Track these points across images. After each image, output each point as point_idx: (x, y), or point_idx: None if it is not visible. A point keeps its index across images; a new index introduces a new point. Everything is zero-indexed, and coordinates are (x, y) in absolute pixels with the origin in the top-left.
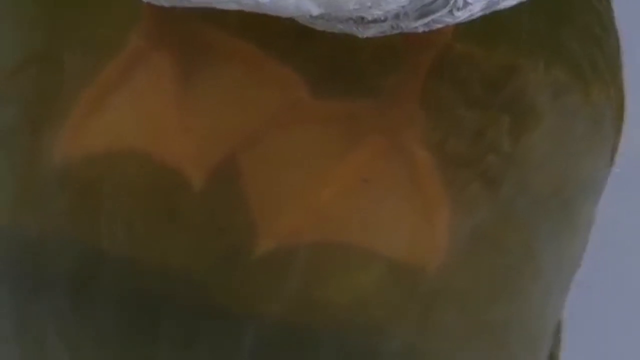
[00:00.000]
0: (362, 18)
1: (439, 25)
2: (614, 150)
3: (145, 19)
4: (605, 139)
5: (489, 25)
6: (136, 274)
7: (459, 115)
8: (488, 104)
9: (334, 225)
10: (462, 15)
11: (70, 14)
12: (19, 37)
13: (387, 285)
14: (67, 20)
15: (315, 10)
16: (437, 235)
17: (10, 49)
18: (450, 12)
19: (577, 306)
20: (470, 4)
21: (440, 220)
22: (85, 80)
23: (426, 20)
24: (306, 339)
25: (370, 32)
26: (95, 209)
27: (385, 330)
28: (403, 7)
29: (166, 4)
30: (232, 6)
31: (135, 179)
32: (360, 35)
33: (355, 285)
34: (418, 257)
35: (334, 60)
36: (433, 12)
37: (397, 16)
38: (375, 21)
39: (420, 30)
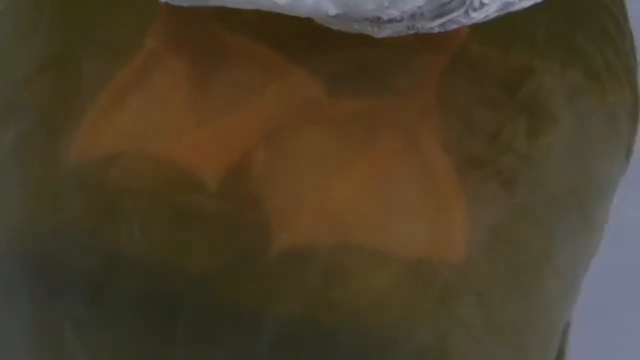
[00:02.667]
0: (379, 18)
1: (455, 26)
2: (628, 150)
3: (161, 21)
4: (620, 139)
5: (504, 26)
6: (153, 275)
7: (475, 115)
8: (504, 105)
9: (350, 224)
10: (478, 16)
11: (86, 16)
12: (35, 42)
13: (404, 285)
14: (83, 23)
15: (333, 11)
16: (453, 234)
17: (27, 53)
18: (466, 12)
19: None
20: (486, 4)
21: (457, 219)
22: (102, 83)
23: (442, 20)
24: (324, 339)
25: (386, 32)
26: (111, 211)
27: (403, 330)
28: (419, 7)
29: (185, 4)
30: (250, 6)
31: (151, 180)
32: (375, 36)
33: (372, 284)
34: (435, 256)
35: (349, 61)
36: (449, 12)
37: (413, 16)
38: (391, 21)
39: (436, 30)
